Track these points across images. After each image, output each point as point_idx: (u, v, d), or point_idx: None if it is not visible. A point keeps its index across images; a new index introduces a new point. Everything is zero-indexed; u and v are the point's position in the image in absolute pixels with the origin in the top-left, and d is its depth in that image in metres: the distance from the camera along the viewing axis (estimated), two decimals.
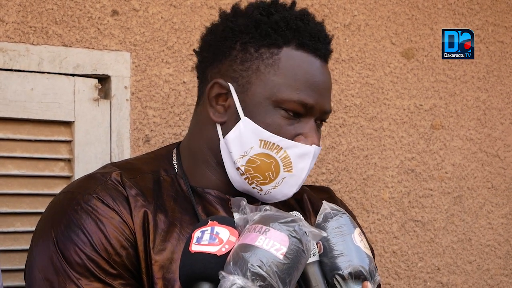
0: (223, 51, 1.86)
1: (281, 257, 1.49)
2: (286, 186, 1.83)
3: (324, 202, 1.70)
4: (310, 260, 1.61)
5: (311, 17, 1.88)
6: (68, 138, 2.19)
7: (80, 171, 2.16)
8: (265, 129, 1.78)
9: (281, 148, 1.79)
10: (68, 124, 2.20)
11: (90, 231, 1.73)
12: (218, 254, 1.51)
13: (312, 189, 2.07)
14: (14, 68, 2.12)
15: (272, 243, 1.50)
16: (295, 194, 2.00)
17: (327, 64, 1.88)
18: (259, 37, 1.82)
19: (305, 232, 1.52)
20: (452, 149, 2.82)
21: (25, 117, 2.13)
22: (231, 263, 1.49)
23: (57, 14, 2.18)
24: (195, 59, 2.33)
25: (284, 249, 1.49)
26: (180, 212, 1.81)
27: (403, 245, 2.73)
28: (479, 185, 2.87)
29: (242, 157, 1.80)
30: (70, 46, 2.19)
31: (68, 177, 2.18)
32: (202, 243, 1.53)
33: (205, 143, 1.87)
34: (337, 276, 1.61)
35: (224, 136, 1.82)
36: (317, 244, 1.63)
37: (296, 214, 1.59)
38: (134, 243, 1.75)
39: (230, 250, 1.52)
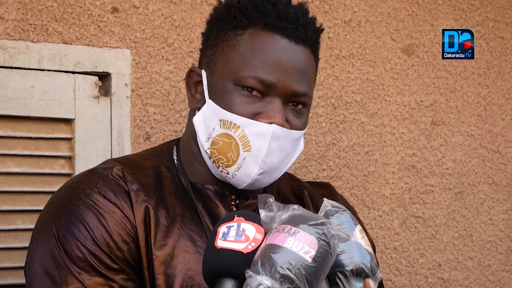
0: (204, 41, 1.89)
1: (310, 260, 1.48)
2: (248, 167, 1.79)
3: (325, 199, 1.69)
4: None
5: (289, 2, 1.86)
6: (68, 136, 2.19)
7: (81, 168, 2.16)
8: (224, 108, 1.77)
9: (238, 126, 1.76)
10: (68, 121, 2.19)
11: (92, 225, 1.73)
12: (245, 252, 1.50)
13: (312, 185, 2.06)
14: (14, 65, 2.12)
15: (302, 245, 1.48)
16: (294, 190, 2.00)
17: (305, 47, 1.82)
18: (227, 21, 1.83)
19: (333, 235, 1.51)
20: (453, 145, 2.82)
21: (26, 114, 2.13)
22: (259, 263, 1.47)
23: (57, 11, 2.18)
24: (195, 56, 2.34)
25: (313, 252, 1.48)
26: (181, 208, 1.81)
27: (404, 241, 2.73)
28: (480, 181, 2.87)
29: (207, 140, 1.80)
30: (70, 44, 2.19)
31: (68, 175, 2.18)
32: (228, 239, 1.51)
33: (189, 134, 1.88)
34: (338, 274, 1.60)
35: None
36: None
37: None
38: (136, 238, 1.75)
39: (257, 247, 1.51)
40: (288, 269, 1.46)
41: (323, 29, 1.91)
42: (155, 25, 2.31)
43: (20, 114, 2.13)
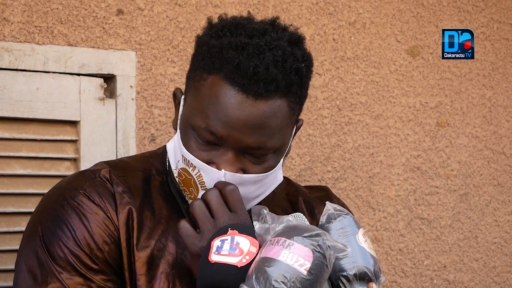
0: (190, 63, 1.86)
1: (305, 272, 1.47)
2: None
3: (327, 203, 1.68)
4: None
5: (262, 48, 1.74)
6: (73, 138, 2.19)
7: None
8: (184, 146, 1.76)
9: (195, 166, 1.75)
10: (73, 123, 2.20)
11: (74, 226, 1.74)
12: (239, 266, 1.49)
13: (309, 189, 2.06)
14: (19, 68, 2.12)
15: (296, 258, 1.47)
16: (289, 196, 2.00)
17: (266, 100, 1.73)
18: (199, 58, 1.78)
19: (329, 246, 1.50)
20: (458, 146, 2.82)
21: (31, 116, 2.14)
22: (253, 277, 1.46)
23: (62, 13, 2.18)
24: None
25: (308, 265, 1.47)
26: (167, 210, 1.82)
27: (409, 243, 2.73)
28: (485, 183, 2.87)
29: (175, 169, 1.80)
30: (75, 46, 2.19)
31: None
32: (222, 253, 1.51)
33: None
34: (341, 278, 1.60)
35: None
36: None
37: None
38: (118, 239, 1.76)
39: (251, 261, 1.50)
40: (283, 282, 1.45)
41: (306, 73, 1.79)
42: (160, 27, 2.31)
43: (25, 116, 2.13)
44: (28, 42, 2.14)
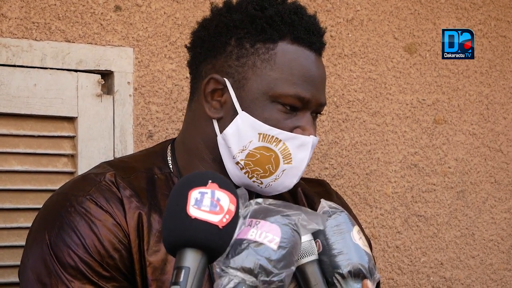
0: (217, 47, 1.84)
1: (275, 247, 1.48)
2: (287, 178, 1.83)
3: (322, 200, 1.69)
4: (309, 259, 1.60)
5: (304, 10, 1.88)
6: (71, 134, 2.19)
7: (83, 166, 2.16)
8: (264, 122, 1.78)
9: (280, 140, 1.78)
10: (71, 119, 2.20)
11: (83, 233, 1.72)
12: (220, 226, 1.43)
13: (307, 182, 2.06)
14: (17, 64, 2.12)
15: (265, 234, 1.49)
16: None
17: (321, 57, 1.88)
18: (254, 32, 1.82)
19: (296, 224, 1.52)
20: (455, 143, 2.82)
21: (28, 112, 2.13)
22: (229, 257, 1.47)
23: (60, 9, 2.18)
24: None
25: (278, 239, 1.49)
26: None
27: (406, 240, 2.73)
28: (482, 180, 2.87)
29: (242, 152, 1.79)
30: (73, 42, 2.19)
31: (71, 173, 2.18)
32: (202, 208, 1.43)
33: (201, 140, 1.86)
34: (336, 275, 1.60)
35: (221, 131, 1.82)
36: (316, 242, 1.62)
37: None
38: (128, 245, 1.75)
39: (231, 220, 1.45)
40: (257, 258, 1.46)
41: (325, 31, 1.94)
42: (158, 23, 2.31)
43: (22, 112, 2.13)
44: (25, 38, 2.14)
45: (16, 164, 2.13)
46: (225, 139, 1.81)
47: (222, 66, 1.83)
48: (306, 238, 1.59)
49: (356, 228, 1.66)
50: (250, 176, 1.81)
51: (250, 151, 1.79)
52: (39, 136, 2.16)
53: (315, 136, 1.83)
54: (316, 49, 1.85)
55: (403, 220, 2.73)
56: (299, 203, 1.97)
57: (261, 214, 1.52)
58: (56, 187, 2.09)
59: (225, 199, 1.45)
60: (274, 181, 1.82)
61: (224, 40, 1.83)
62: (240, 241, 1.49)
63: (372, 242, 2.67)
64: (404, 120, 2.72)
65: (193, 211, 1.42)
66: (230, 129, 1.80)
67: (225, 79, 1.82)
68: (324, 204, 1.68)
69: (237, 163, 1.80)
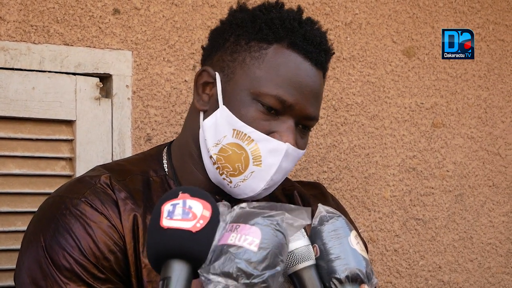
0: (218, 43, 1.86)
1: (256, 249, 1.47)
2: (254, 181, 1.79)
3: (319, 205, 1.68)
4: (307, 264, 1.60)
5: (314, 24, 1.86)
6: (69, 137, 2.19)
7: (81, 170, 2.16)
8: (239, 119, 1.76)
9: (252, 140, 1.76)
10: (69, 123, 2.19)
11: (79, 235, 1.72)
12: (194, 231, 1.44)
13: (303, 185, 2.06)
14: (15, 67, 2.12)
15: (244, 237, 1.48)
16: (285, 191, 2.00)
17: (321, 71, 1.84)
18: (251, 31, 1.81)
19: (278, 223, 1.51)
20: (453, 147, 2.82)
21: (26, 116, 2.13)
22: (211, 263, 1.46)
23: (58, 13, 2.18)
24: (196, 57, 2.34)
25: (257, 241, 1.48)
26: None
27: (404, 243, 2.73)
28: (480, 183, 2.87)
29: (216, 146, 1.79)
30: (71, 45, 2.19)
31: (69, 176, 2.18)
32: (174, 218, 1.44)
33: (190, 134, 1.86)
34: (334, 280, 1.60)
35: None
36: (313, 247, 1.62)
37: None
38: (123, 247, 1.75)
39: (206, 225, 1.46)
40: (237, 264, 1.45)
41: (334, 53, 1.91)
42: (157, 26, 2.31)
43: (21, 115, 2.12)
44: (24, 41, 2.14)
45: (14, 167, 2.13)
46: (203, 130, 1.81)
47: (217, 61, 1.84)
48: (303, 243, 1.59)
49: (354, 233, 1.66)
50: (220, 172, 1.80)
51: (223, 146, 1.78)
52: (37, 140, 2.15)
53: (294, 143, 1.78)
54: (313, 59, 1.81)
55: (401, 223, 2.73)
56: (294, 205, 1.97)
57: (242, 218, 1.51)
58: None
59: (197, 206, 1.47)
60: (242, 181, 1.79)
61: (225, 37, 1.85)
62: (220, 247, 1.48)
63: (370, 245, 2.66)
64: (402, 124, 2.72)
65: (166, 222, 1.44)
66: (208, 122, 1.80)
67: (216, 73, 1.82)
68: (322, 209, 1.67)
69: (211, 157, 1.80)
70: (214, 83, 1.82)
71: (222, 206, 1.54)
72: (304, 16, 1.88)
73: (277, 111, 1.77)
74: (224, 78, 1.81)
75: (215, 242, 1.48)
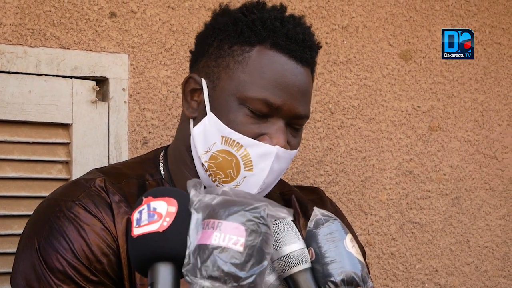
0: (203, 48, 1.85)
1: (241, 248, 1.45)
2: (247, 186, 1.78)
3: (315, 208, 1.68)
4: (302, 267, 1.60)
5: (296, 21, 1.83)
6: (66, 140, 2.19)
7: (78, 173, 2.16)
8: (227, 125, 1.75)
9: (242, 146, 1.75)
10: (66, 126, 2.19)
11: (72, 238, 1.72)
12: (161, 230, 1.44)
13: (301, 190, 2.06)
14: (11, 70, 2.12)
15: (229, 237, 1.46)
16: (283, 195, 2.00)
17: (308, 69, 1.82)
18: (234, 35, 1.80)
19: (262, 217, 1.47)
20: (450, 150, 2.82)
21: (23, 119, 2.13)
22: (195, 266, 1.44)
23: (54, 16, 2.18)
24: None
25: (242, 240, 1.46)
26: None
27: (401, 246, 2.73)
28: (477, 187, 2.87)
29: (206, 153, 1.78)
30: (68, 48, 2.19)
31: (66, 180, 2.18)
32: (142, 224, 1.45)
33: (182, 141, 1.86)
34: (329, 283, 1.60)
35: None
36: (308, 250, 1.61)
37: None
38: (116, 250, 1.75)
39: (173, 221, 1.45)
40: (222, 265, 1.43)
41: (321, 47, 1.90)
42: (153, 30, 2.31)
43: (17, 119, 2.12)
44: (20, 44, 2.14)
45: (10, 170, 2.13)
46: (193, 138, 1.80)
47: (203, 67, 1.83)
48: (298, 246, 1.59)
49: (349, 236, 1.66)
50: (213, 179, 1.80)
51: (213, 153, 1.77)
52: (33, 143, 2.15)
53: (284, 146, 1.77)
54: (297, 58, 1.79)
55: (398, 227, 2.73)
56: (291, 209, 1.96)
57: (225, 211, 1.47)
58: None
59: (161, 206, 1.46)
60: (235, 187, 1.79)
61: (208, 42, 1.84)
62: (204, 247, 1.46)
63: (367, 249, 2.66)
64: (399, 127, 2.72)
65: (136, 231, 1.45)
66: (197, 129, 1.80)
67: (202, 79, 1.81)
68: (317, 212, 1.67)
69: (202, 164, 1.80)
70: (201, 90, 1.81)
71: (193, 191, 1.50)
72: (291, 12, 1.87)
73: (266, 114, 1.76)
74: (210, 84, 1.80)
75: (194, 239, 1.45)
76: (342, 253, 1.62)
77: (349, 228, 1.94)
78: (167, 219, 1.45)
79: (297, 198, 2.00)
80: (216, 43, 1.81)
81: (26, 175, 2.14)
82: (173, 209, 1.46)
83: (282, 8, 1.86)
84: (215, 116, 1.77)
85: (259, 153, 1.76)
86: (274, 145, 1.76)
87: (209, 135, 1.77)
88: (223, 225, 1.46)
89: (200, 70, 1.84)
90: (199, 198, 1.50)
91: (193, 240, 1.46)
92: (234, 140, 1.75)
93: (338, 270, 1.60)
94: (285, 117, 1.78)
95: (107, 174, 1.82)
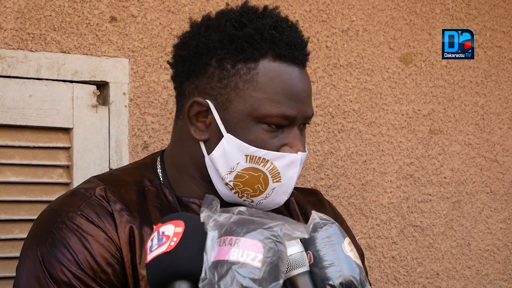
0: (198, 67, 1.82)
1: (259, 264, 1.47)
2: (277, 196, 1.82)
3: (313, 212, 1.68)
4: (300, 270, 1.60)
5: (284, 23, 1.83)
6: (66, 145, 2.19)
7: (79, 177, 2.16)
8: (250, 144, 1.77)
9: (268, 160, 1.77)
10: (66, 130, 2.19)
11: (75, 249, 1.72)
12: (169, 250, 1.48)
13: (300, 192, 2.06)
14: (12, 75, 2.12)
15: (247, 253, 1.48)
16: None
17: (305, 68, 1.84)
18: (234, 52, 1.79)
19: (278, 235, 1.50)
20: (450, 154, 2.82)
21: (24, 124, 2.13)
22: (211, 281, 1.45)
23: (55, 20, 2.18)
24: None
25: (260, 256, 1.48)
26: None
27: (402, 250, 2.73)
28: (477, 190, 2.87)
29: (230, 173, 1.79)
30: (68, 53, 2.19)
31: (66, 184, 2.18)
32: (153, 249, 1.50)
33: (189, 159, 1.85)
34: (328, 287, 1.60)
35: (208, 153, 1.81)
36: (307, 254, 1.62)
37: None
38: (121, 259, 1.75)
39: (180, 240, 1.48)
40: (241, 280, 1.45)
41: (309, 39, 1.91)
42: (153, 34, 2.31)
43: (18, 123, 2.13)
44: (21, 49, 2.14)
45: (11, 175, 2.13)
46: (212, 161, 1.80)
47: (205, 88, 1.81)
48: (297, 249, 1.59)
49: (347, 239, 1.66)
50: (240, 195, 1.81)
51: (238, 172, 1.78)
52: (34, 147, 2.15)
53: (304, 150, 1.81)
54: (300, 63, 1.81)
55: (399, 230, 2.73)
56: (292, 212, 1.97)
57: (243, 229, 1.50)
58: (52, 198, 2.09)
59: (169, 229, 1.51)
60: (264, 199, 1.81)
61: (204, 61, 1.81)
62: (222, 263, 1.47)
63: (368, 252, 2.66)
64: (399, 131, 2.72)
65: (148, 257, 1.51)
66: (216, 152, 1.79)
67: (207, 101, 1.80)
68: (315, 216, 1.67)
69: (226, 184, 1.80)
70: (207, 111, 1.80)
71: (206, 212, 1.53)
72: (287, 15, 1.87)
73: (283, 126, 1.79)
74: (219, 106, 1.80)
75: (211, 256, 1.48)
76: (340, 256, 1.62)
77: (347, 230, 1.94)
78: (174, 239, 1.49)
79: (296, 200, 2.00)
80: (215, 63, 1.80)
81: (27, 179, 2.14)
82: (180, 229, 1.50)
83: (266, 10, 1.85)
84: (234, 138, 1.77)
85: (285, 163, 1.78)
86: (296, 152, 1.79)
87: (230, 156, 1.78)
88: (241, 242, 1.48)
89: (201, 91, 1.82)
90: (214, 218, 1.52)
91: (209, 257, 1.48)
92: (260, 157, 1.77)
93: (336, 274, 1.60)
94: (298, 123, 1.82)
95: (106, 182, 1.82)
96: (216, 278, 1.45)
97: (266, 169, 1.78)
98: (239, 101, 1.78)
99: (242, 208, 1.55)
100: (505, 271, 2.93)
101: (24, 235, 2.10)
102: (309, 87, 1.84)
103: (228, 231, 1.50)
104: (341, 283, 1.59)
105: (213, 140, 1.80)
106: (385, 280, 2.71)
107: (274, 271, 1.48)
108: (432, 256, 2.79)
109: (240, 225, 1.50)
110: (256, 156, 1.77)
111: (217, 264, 1.47)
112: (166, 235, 1.50)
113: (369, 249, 2.67)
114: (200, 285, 1.45)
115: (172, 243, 1.48)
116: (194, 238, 1.49)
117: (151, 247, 1.51)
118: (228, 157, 1.78)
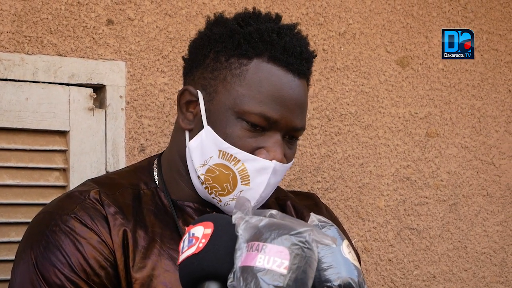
0: (198, 59, 1.84)
1: (285, 271, 1.46)
2: None
3: (312, 214, 1.68)
4: None
5: (291, 31, 1.83)
6: (63, 148, 2.19)
7: (75, 180, 2.16)
8: (224, 139, 1.75)
9: (239, 160, 1.75)
10: (63, 133, 2.19)
11: (69, 252, 1.72)
12: (197, 252, 1.48)
13: (296, 195, 2.06)
14: (8, 77, 2.12)
15: (273, 259, 1.48)
16: (278, 200, 2.00)
17: (304, 80, 1.82)
18: (231, 47, 1.79)
19: (307, 241, 1.49)
20: (447, 157, 2.82)
21: (20, 126, 2.13)
22: (237, 287, 1.45)
23: (52, 23, 2.18)
24: None
25: (287, 263, 1.48)
26: (160, 227, 1.80)
27: (398, 253, 2.73)
28: (474, 193, 2.87)
29: (202, 166, 1.78)
30: (65, 56, 2.19)
31: (63, 187, 2.17)
32: (184, 251, 1.51)
33: (176, 151, 1.86)
34: None
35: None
36: None
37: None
38: (114, 262, 1.74)
39: (209, 241, 1.48)
40: (265, 287, 1.44)
41: (316, 55, 1.90)
42: (150, 37, 2.31)
43: (14, 126, 2.12)
44: (17, 52, 2.14)
45: (7, 178, 2.13)
46: (189, 151, 1.80)
47: (199, 78, 1.82)
48: None
49: (346, 242, 1.66)
50: (209, 192, 1.80)
51: (210, 166, 1.77)
52: (31, 150, 2.15)
53: (281, 160, 1.77)
54: (295, 71, 1.78)
55: (395, 233, 2.73)
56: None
57: (271, 234, 1.49)
58: (48, 201, 2.08)
59: (199, 230, 1.51)
60: (231, 200, 1.79)
61: (204, 53, 1.83)
62: (249, 269, 1.46)
63: (364, 255, 2.66)
64: (396, 134, 2.73)
65: (180, 258, 1.51)
66: (194, 142, 1.79)
67: (198, 91, 1.81)
68: (314, 218, 1.67)
69: (198, 177, 1.80)
70: (197, 102, 1.81)
71: (238, 214, 1.52)
72: (288, 20, 1.86)
73: (263, 127, 1.76)
74: (206, 96, 1.80)
75: (239, 261, 1.47)
76: (338, 259, 1.62)
77: (344, 234, 1.94)
78: (203, 240, 1.49)
79: (292, 203, 2.00)
80: (213, 55, 1.81)
81: (23, 182, 2.14)
82: (209, 231, 1.50)
83: (278, 17, 1.86)
84: (212, 130, 1.77)
85: (256, 168, 1.75)
86: (271, 160, 1.76)
87: (206, 149, 1.77)
88: (267, 248, 1.47)
89: (196, 81, 1.83)
90: (245, 219, 1.51)
91: (237, 262, 1.47)
92: (231, 155, 1.75)
93: (335, 276, 1.60)
94: (282, 130, 1.78)
95: (101, 185, 1.82)
96: (243, 285, 1.45)
97: (237, 169, 1.76)
98: (224, 94, 1.77)
99: (273, 211, 1.53)
100: (502, 273, 2.93)
101: (21, 238, 2.10)
102: (301, 97, 1.80)
103: (256, 236, 1.49)
104: (339, 285, 1.59)
105: (196, 130, 1.80)
106: (381, 283, 2.71)
107: (301, 277, 1.47)
108: (428, 258, 2.79)
109: (268, 229, 1.49)
110: (228, 153, 1.75)
111: (244, 269, 1.46)
112: (196, 237, 1.50)
113: (365, 251, 2.67)
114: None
115: (201, 245, 1.48)
116: (222, 240, 1.49)
117: (182, 248, 1.51)
118: (203, 149, 1.77)
